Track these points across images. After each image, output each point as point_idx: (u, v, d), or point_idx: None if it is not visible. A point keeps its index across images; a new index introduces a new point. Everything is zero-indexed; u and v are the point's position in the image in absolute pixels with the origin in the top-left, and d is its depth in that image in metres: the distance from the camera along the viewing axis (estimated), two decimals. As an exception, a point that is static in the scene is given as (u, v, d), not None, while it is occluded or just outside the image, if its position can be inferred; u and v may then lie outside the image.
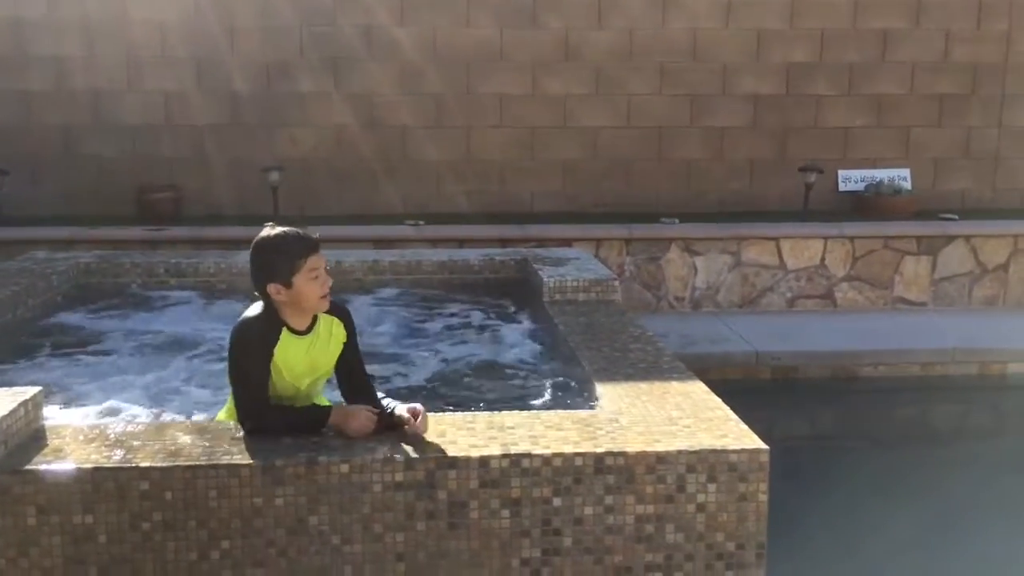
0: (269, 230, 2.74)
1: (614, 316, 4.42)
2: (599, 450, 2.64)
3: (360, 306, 4.87)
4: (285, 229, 2.75)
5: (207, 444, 2.63)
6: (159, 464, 2.50)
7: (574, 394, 3.53)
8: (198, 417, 3.31)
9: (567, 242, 6.80)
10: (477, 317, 4.87)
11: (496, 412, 3.07)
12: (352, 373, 2.89)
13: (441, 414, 2.95)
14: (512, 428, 2.79)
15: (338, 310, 2.87)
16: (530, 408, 3.38)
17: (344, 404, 2.84)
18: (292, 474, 2.52)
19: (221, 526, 2.51)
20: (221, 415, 3.01)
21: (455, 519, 2.58)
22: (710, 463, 2.66)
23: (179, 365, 4.12)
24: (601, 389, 3.29)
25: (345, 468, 2.53)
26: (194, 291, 5.28)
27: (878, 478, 4.85)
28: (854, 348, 6.28)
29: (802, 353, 6.21)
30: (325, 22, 7.85)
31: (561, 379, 3.76)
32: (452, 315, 4.94)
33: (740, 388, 5.78)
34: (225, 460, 2.52)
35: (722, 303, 7.23)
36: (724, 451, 2.67)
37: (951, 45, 8.24)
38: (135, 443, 2.63)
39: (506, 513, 2.59)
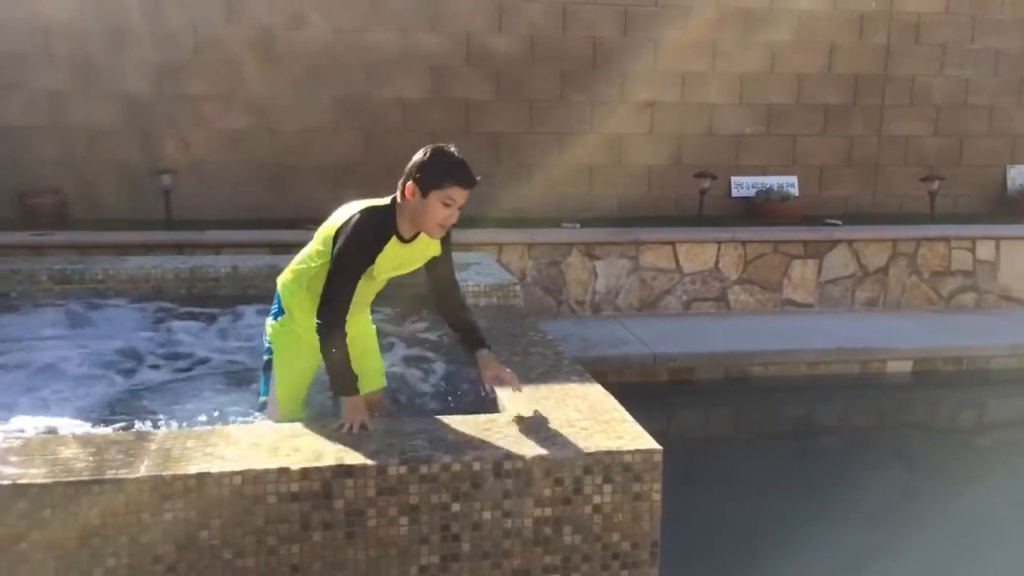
0: (453, 148, 2.88)
1: (515, 320, 4.47)
2: (497, 454, 2.66)
3: (253, 313, 4.76)
4: (462, 159, 2.87)
5: (91, 459, 2.53)
6: (39, 481, 2.39)
7: (474, 399, 3.54)
8: (81, 431, 3.18)
9: (469, 247, 6.81)
10: (376, 322, 4.81)
11: (395, 418, 3.05)
12: (439, 281, 3.14)
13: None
14: (411, 434, 2.78)
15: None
16: (429, 414, 3.38)
17: (359, 403, 2.89)
18: (181, 488, 2.44)
19: (105, 544, 2.42)
20: (287, 287, 3.17)
21: (352, 528, 2.55)
22: (605, 464, 2.71)
23: (63, 376, 3.95)
24: (501, 393, 3.31)
25: (238, 480, 2.47)
26: (79, 298, 5.06)
27: (768, 474, 5.03)
28: (746, 349, 6.49)
29: (697, 354, 6.38)
30: (220, 23, 7.65)
31: (461, 384, 3.76)
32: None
33: (638, 390, 5.93)
34: (110, 475, 2.43)
35: (621, 306, 7.37)
36: (619, 452, 2.73)
37: (835, 57, 8.63)
38: (13, 459, 2.51)
39: (404, 520, 2.58)
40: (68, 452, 2.56)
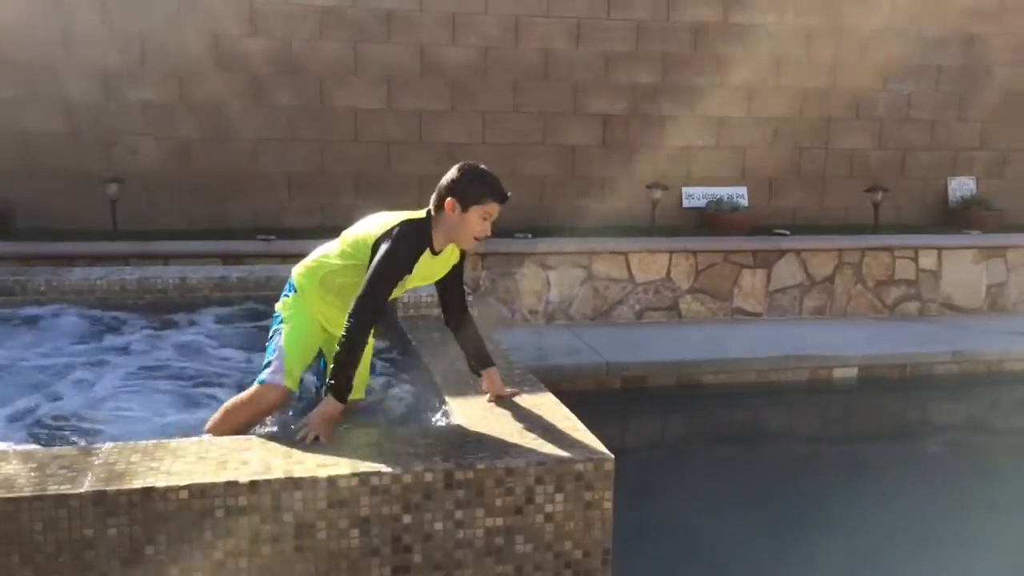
0: (484, 167, 3.08)
1: (468, 331, 4.45)
2: (449, 465, 2.66)
3: (206, 323, 4.70)
4: (495, 175, 3.07)
5: (33, 475, 2.47)
6: (-24, 498, 2.33)
7: (427, 409, 3.53)
8: (22, 446, 3.10)
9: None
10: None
11: (346, 429, 3.04)
12: (452, 291, 3.30)
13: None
14: (361, 446, 2.77)
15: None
16: (381, 425, 3.36)
17: (336, 410, 2.92)
18: (126, 503, 2.40)
19: (48, 561, 2.36)
20: (301, 274, 3.28)
21: (302, 541, 2.53)
22: (557, 474, 2.72)
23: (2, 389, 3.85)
24: (453, 404, 3.31)
25: (184, 495, 2.43)
26: (20, 308, 4.94)
27: (719, 480, 5.10)
28: (697, 357, 6.58)
29: (649, 363, 6.45)
30: (169, 30, 7.56)
31: (413, 395, 3.75)
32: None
33: (591, 398, 5.98)
34: (52, 490, 2.38)
35: (575, 316, 7.42)
36: (571, 461, 2.74)
37: (782, 71, 8.80)
38: (-51, 476, 2.44)
39: (355, 533, 2.57)
40: (9, 468, 2.50)
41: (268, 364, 3.25)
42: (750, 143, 8.85)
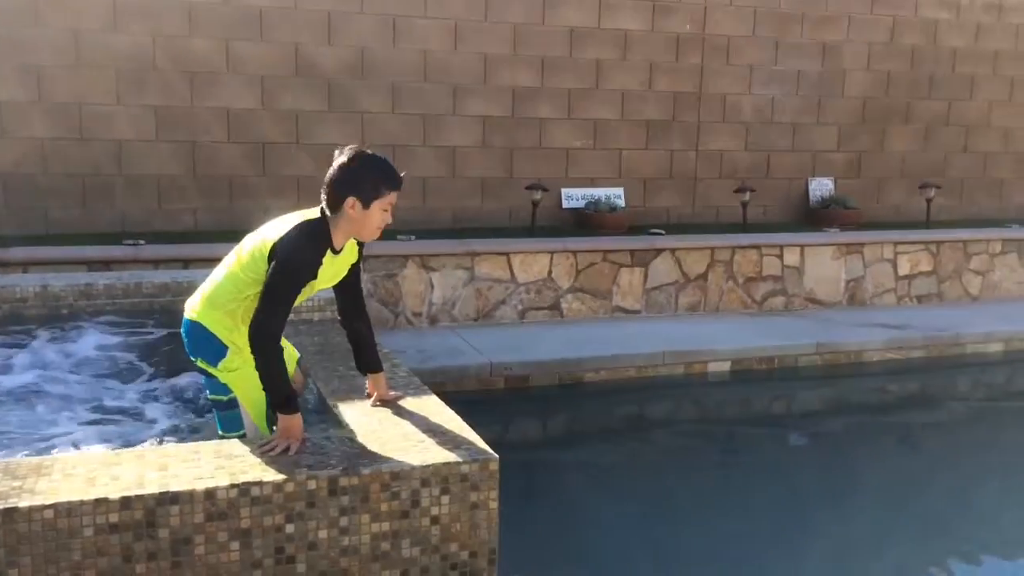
0: (370, 151, 2.94)
1: (349, 335, 4.40)
2: (333, 471, 2.63)
3: (69, 331, 4.47)
4: (386, 158, 2.97)
5: None
6: None
7: (309, 417, 3.47)
8: None
9: (302, 260, 6.68)
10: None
11: (224, 441, 2.95)
12: (350, 286, 3.21)
13: (162, 446, 2.79)
14: (241, 456, 2.70)
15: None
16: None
17: (296, 421, 2.83)
18: (-14, 526, 2.26)
19: None
20: (203, 309, 3.05)
21: (179, 557, 2.45)
22: (443, 476, 2.74)
23: None
24: (336, 409, 3.27)
25: (50, 514, 2.32)
26: None
27: (601, 476, 5.22)
28: (578, 355, 6.71)
29: (532, 363, 6.53)
30: (24, 24, 7.13)
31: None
32: (173, 339, 4.66)
33: (476, 399, 6.01)
34: (-100, 518, 2.22)
35: (458, 317, 7.43)
36: (456, 463, 2.76)
37: (655, 76, 9.08)
38: None
39: (235, 545, 2.51)
40: None
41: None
42: (626, 145, 9.09)
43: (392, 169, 2.96)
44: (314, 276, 2.94)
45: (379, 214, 2.93)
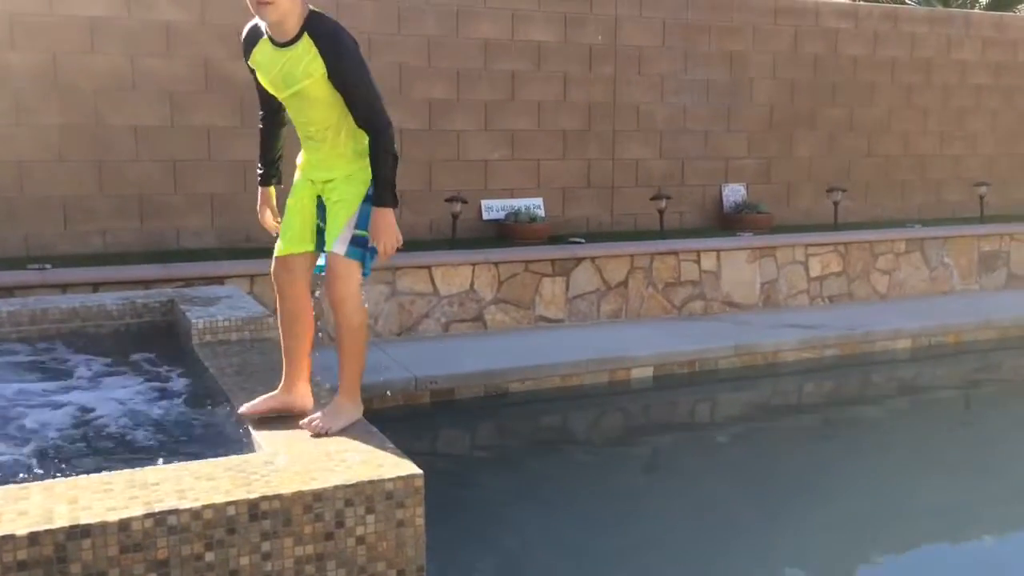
0: None
1: (271, 354, 4.32)
2: (253, 496, 2.56)
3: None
4: None
5: None
6: None
7: (228, 440, 3.39)
8: None
9: (219, 280, 6.52)
10: (117, 366, 4.49)
11: (139, 469, 2.86)
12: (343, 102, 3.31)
13: (73, 479, 2.68)
14: (156, 484, 2.62)
15: (320, 38, 3.08)
16: (179, 461, 3.18)
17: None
18: None
19: None
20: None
21: (93, 593, 2.35)
22: (367, 494, 2.70)
23: None
24: (256, 432, 3.20)
25: (-50, 556, 2.20)
26: None
27: (528, 486, 5.23)
28: (503, 366, 6.72)
29: (457, 375, 6.52)
30: (-88, 40, 6.82)
31: (213, 425, 3.59)
32: (87, 366, 4.50)
33: (401, 414, 5.97)
34: None
35: (381, 332, 7.36)
36: (380, 481, 2.73)
37: (569, 86, 9.19)
38: None
39: (153, 577, 2.42)
40: None
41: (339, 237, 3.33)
42: (543, 155, 9.16)
43: None
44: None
45: None
